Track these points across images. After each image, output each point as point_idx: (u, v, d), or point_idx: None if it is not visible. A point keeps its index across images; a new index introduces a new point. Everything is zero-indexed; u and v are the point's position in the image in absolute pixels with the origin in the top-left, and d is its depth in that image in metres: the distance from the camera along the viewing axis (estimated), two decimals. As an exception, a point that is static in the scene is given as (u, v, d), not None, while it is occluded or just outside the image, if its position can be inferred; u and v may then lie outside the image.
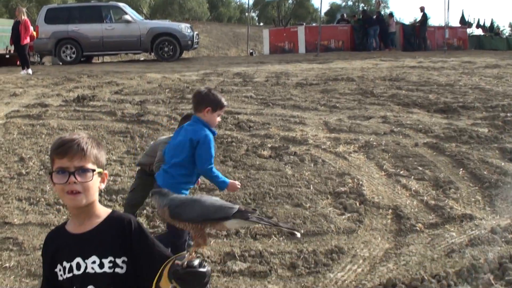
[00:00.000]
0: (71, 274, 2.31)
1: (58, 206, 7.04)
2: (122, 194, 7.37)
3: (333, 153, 8.53)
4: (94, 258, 2.31)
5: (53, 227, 6.65)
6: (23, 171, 8.17)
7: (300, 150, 8.63)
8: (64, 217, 6.79)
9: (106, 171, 2.40)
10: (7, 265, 5.50)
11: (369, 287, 5.04)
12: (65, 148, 2.27)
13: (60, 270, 2.35)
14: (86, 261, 2.31)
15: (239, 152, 8.64)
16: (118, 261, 2.32)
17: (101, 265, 2.30)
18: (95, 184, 2.33)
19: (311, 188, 7.28)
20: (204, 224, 2.19)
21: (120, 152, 8.75)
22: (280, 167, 8.00)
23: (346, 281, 5.15)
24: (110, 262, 2.31)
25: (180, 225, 2.27)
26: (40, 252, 5.97)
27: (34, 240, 6.04)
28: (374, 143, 8.88)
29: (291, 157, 8.34)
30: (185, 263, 2.11)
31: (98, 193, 2.37)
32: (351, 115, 10.85)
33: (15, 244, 5.95)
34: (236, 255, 5.66)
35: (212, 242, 6.04)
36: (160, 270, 2.22)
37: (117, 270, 2.32)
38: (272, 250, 5.79)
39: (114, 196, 7.41)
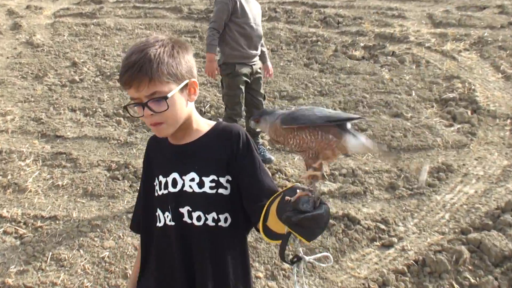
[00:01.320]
0: (166, 191, 2.24)
1: (117, 118, 7.11)
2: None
3: (439, 52, 8.13)
4: (192, 175, 2.21)
5: (112, 141, 6.92)
6: (77, 78, 8.26)
7: (399, 49, 8.27)
8: (126, 130, 6.90)
9: (193, 79, 2.19)
10: (60, 183, 5.60)
11: (483, 211, 4.79)
12: (127, 77, 2.09)
13: (156, 185, 2.30)
14: (183, 177, 2.22)
15: (326, 53, 8.36)
16: (222, 180, 2.20)
17: (201, 184, 2.20)
18: (179, 105, 2.14)
19: (413, 94, 6.96)
20: (326, 129, 1.93)
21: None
22: (375, 70, 7.69)
23: (456, 205, 4.92)
24: (212, 181, 2.20)
25: (295, 139, 1.97)
26: (98, 169, 6.18)
27: (91, 156, 6.13)
28: (489, 39, 8.43)
29: (389, 58, 8.02)
30: (299, 204, 1.84)
31: (190, 108, 2.21)
32: (461, 5, 10.36)
33: (69, 160, 6.04)
34: (324, 174, 5.48)
35: (296, 159, 5.95)
36: (266, 206, 2.05)
37: (221, 190, 2.20)
38: (367, 168, 5.66)
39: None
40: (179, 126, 2.19)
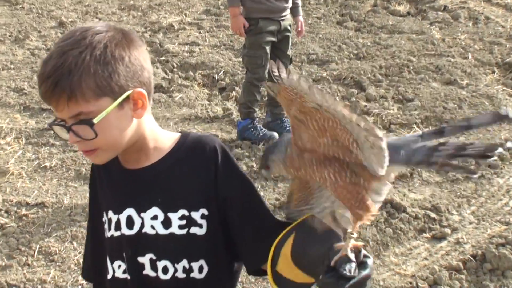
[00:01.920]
0: (119, 233, 2.00)
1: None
2: (202, 69, 7.41)
3: (501, 7, 8.12)
4: (155, 211, 1.98)
5: None
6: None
7: (452, 3, 8.27)
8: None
9: (139, 89, 1.87)
10: (47, 164, 5.67)
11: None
12: (43, 93, 1.82)
13: (105, 222, 2.07)
14: (142, 215, 1.98)
15: (364, 9, 8.37)
16: (195, 215, 1.97)
17: (167, 223, 1.97)
18: (118, 127, 1.87)
19: (469, 57, 6.96)
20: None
21: (197, 11, 8.69)
22: (423, 29, 7.69)
23: (521, 190, 4.94)
24: (182, 218, 1.97)
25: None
26: None
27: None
28: None
29: (439, 13, 8.02)
30: (340, 268, 1.63)
31: (140, 126, 1.94)
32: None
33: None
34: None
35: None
36: (273, 248, 1.86)
37: (194, 230, 1.97)
38: None
39: (191, 73, 7.45)
40: (129, 148, 1.95)
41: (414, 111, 6.34)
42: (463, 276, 4.11)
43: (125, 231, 1.99)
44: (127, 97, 1.85)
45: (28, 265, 4.37)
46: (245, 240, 2.02)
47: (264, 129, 5.90)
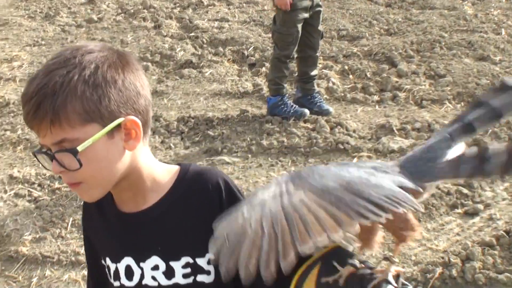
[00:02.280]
0: (118, 283, 1.85)
1: (144, 63, 7.24)
2: (232, 45, 7.45)
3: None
4: (155, 260, 1.80)
5: None
6: (94, 17, 8.42)
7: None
8: (155, 77, 7.06)
9: (132, 117, 1.66)
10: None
11: None
12: (25, 115, 1.64)
13: (106, 268, 1.92)
14: (141, 265, 1.81)
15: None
16: (201, 262, 1.78)
17: (170, 273, 1.80)
18: (107, 158, 1.67)
19: (502, 33, 6.89)
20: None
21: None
22: (455, 4, 7.64)
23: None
24: (186, 266, 1.78)
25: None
26: None
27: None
28: None
29: (472, -12, 7.85)
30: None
31: (134, 159, 1.73)
32: None
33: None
34: (394, 128, 5.68)
35: (359, 111, 5.99)
36: (295, 282, 1.66)
37: (201, 278, 1.79)
38: (446, 122, 5.54)
39: (221, 49, 7.47)
40: (122, 186, 1.75)
41: (446, 87, 6.30)
42: (496, 252, 4.07)
43: (125, 282, 1.82)
44: (119, 126, 1.63)
45: (62, 237, 4.45)
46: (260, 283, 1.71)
47: (294, 105, 5.90)
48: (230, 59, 7.17)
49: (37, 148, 1.70)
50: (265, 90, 6.42)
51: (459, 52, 6.64)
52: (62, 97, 1.57)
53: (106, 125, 1.61)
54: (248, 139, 5.67)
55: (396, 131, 5.57)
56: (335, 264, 1.59)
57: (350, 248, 1.69)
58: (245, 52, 7.32)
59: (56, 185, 5.03)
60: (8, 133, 5.99)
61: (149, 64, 7.19)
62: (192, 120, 6.09)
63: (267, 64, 6.84)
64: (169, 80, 6.93)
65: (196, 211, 1.79)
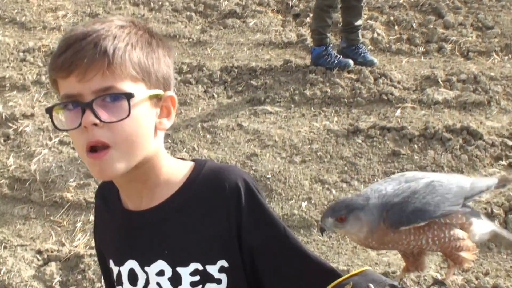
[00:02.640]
0: None
1: (188, 13, 7.24)
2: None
3: None
4: (161, 265, 1.66)
5: (183, 40, 7.00)
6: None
7: None
8: (198, 26, 7.07)
9: (172, 93, 1.62)
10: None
11: None
12: (69, 55, 1.48)
13: (112, 271, 1.80)
14: (146, 269, 1.67)
15: None
16: (211, 269, 1.64)
17: (176, 280, 1.65)
18: (145, 124, 1.55)
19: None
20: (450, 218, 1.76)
21: None
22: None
23: None
24: (194, 273, 1.64)
25: (413, 241, 1.72)
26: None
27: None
28: None
29: None
30: None
31: (158, 142, 1.63)
32: None
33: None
34: (439, 80, 5.62)
35: (404, 62, 5.99)
36: None
37: (210, 287, 1.65)
38: (492, 74, 5.61)
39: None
40: (134, 175, 1.60)
41: (494, 38, 6.24)
42: (538, 203, 4.13)
43: (128, 287, 1.70)
44: (159, 98, 1.57)
45: (108, 178, 4.56)
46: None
47: (338, 55, 5.86)
48: (274, 9, 7.14)
49: (56, 103, 1.55)
50: (309, 40, 6.38)
51: (508, 4, 6.55)
52: (123, 44, 1.50)
53: (151, 89, 1.55)
54: (291, 89, 5.66)
55: (441, 83, 5.54)
56: (371, 285, 1.58)
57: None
58: (290, 2, 7.27)
59: (101, 132, 5.11)
60: (53, 81, 6.12)
61: (193, 14, 7.20)
62: (235, 70, 6.06)
63: (311, 15, 6.84)
64: (213, 30, 6.93)
65: (210, 213, 1.63)
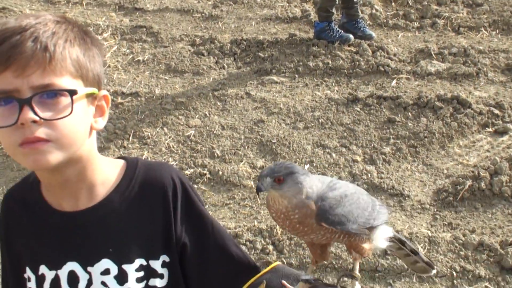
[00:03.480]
0: None
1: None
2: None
3: None
4: (106, 263, 1.54)
5: (196, 15, 7.03)
6: None
7: None
8: (210, 2, 6.99)
9: (106, 92, 1.52)
10: (140, 58, 5.83)
11: None
12: (6, 48, 1.34)
13: (29, 280, 1.59)
14: (89, 269, 1.54)
15: None
16: (155, 264, 1.57)
17: (122, 277, 1.55)
18: (81, 123, 1.44)
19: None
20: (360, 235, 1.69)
21: None
22: None
23: None
24: (139, 269, 1.55)
25: (324, 236, 1.65)
26: (181, 44, 6.29)
27: (173, 30, 6.32)
28: None
29: None
30: None
31: (92, 141, 1.52)
32: None
33: (149, 35, 6.25)
34: (432, 53, 5.65)
35: (400, 36, 5.97)
36: None
37: (153, 282, 1.57)
38: (481, 48, 5.64)
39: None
40: (70, 173, 1.48)
41: (483, 15, 6.22)
42: (522, 167, 4.15)
43: None
44: (94, 96, 1.47)
45: (124, 147, 4.57)
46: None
47: (340, 30, 5.86)
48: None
49: None
50: (313, 15, 6.36)
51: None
52: (63, 39, 1.38)
53: (88, 85, 1.44)
54: (296, 60, 5.65)
55: (433, 55, 5.54)
56: (284, 282, 1.55)
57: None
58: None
59: (119, 100, 5.13)
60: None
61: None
62: (244, 43, 6.04)
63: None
64: (224, 5, 6.88)
65: (149, 210, 1.56)
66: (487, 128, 4.64)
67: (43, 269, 1.54)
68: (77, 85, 1.39)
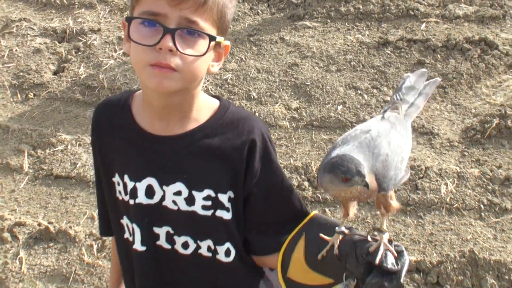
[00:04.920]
0: (133, 201, 1.67)
1: None
2: None
3: None
4: (179, 186, 1.63)
5: None
6: None
7: None
8: None
9: (228, 43, 1.60)
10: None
11: None
12: None
13: (117, 184, 1.72)
14: (164, 187, 1.64)
15: None
16: (222, 197, 1.63)
17: (190, 201, 1.63)
18: (205, 64, 1.53)
19: None
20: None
21: None
22: None
23: None
24: (207, 198, 1.63)
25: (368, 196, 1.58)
26: None
27: None
28: None
29: None
30: (383, 261, 1.45)
31: (201, 82, 1.61)
32: None
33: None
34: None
35: None
36: (281, 254, 1.64)
37: (220, 213, 1.64)
38: None
39: None
40: (174, 100, 1.57)
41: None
42: (548, 106, 4.12)
43: (143, 200, 1.65)
44: (219, 44, 1.56)
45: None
46: (256, 232, 1.72)
47: None
48: None
49: (136, 17, 1.48)
50: None
51: None
52: None
53: (221, 34, 1.52)
54: (328, 6, 5.58)
55: (463, 1, 5.44)
56: (322, 235, 1.55)
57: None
58: None
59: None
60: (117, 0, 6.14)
61: None
62: None
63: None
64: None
65: (227, 151, 1.61)
66: (513, 69, 4.58)
67: (126, 178, 1.66)
68: (214, 32, 1.49)
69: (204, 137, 1.61)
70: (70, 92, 4.99)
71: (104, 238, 3.61)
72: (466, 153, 4.01)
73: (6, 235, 3.72)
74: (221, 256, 1.67)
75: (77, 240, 3.68)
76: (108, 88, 4.91)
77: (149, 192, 1.64)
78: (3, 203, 4.06)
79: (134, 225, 1.68)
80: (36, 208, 4.01)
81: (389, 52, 4.91)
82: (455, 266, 3.23)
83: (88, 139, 4.41)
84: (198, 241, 1.66)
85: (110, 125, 1.72)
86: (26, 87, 5.10)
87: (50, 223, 3.78)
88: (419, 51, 4.88)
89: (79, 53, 5.42)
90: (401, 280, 1.41)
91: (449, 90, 4.53)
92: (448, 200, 3.67)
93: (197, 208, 1.62)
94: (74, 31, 5.65)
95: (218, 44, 1.53)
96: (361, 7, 5.47)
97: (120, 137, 1.69)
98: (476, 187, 3.72)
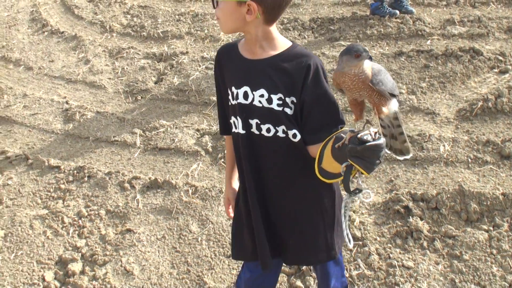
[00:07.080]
0: (236, 102, 1.98)
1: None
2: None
3: None
4: (262, 91, 1.93)
5: None
6: None
7: None
8: None
9: (254, 3, 1.83)
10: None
11: None
12: None
13: (229, 94, 2.04)
14: (254, 92, 1.95)
15: None
16: (288, 100, 1.92)
17: (269, 101, 1.93)
18: (231, 15, 1.87)
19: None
20: (385, 97, 1.79)
21: None
22: None
23: None
24: (279, 99, 1.92)
25: (362, 92, 1.77)
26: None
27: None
28: None
29: None
30: (363, 136, 1.65)
31: (255, 26, 1.91)
32: None
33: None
34: (455, 21, 5.78)
35: (432, 11, 6.18)
36: (320, 149, 1.86)
37: (286, 110, 1.93)
38: (490, 16, 5.80)
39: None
40: (249, 37, 1.94)
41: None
42: (517, 93, 4.36)
43: (242, 100, 1.96)
44: (244, 3, 1.82)
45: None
46: (305, 132, 1.97)
47: (389, 7, 5.99)
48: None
49: None
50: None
51: None
52: None
53: None
54: (357, 30, 5.86)
55: (457, 23, 5.67)
56: (342, 135, 1.78)
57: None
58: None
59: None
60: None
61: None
62: (319, 20, 6.24)
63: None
64: (302, -4, 6.98)
65: (291, 71, 1.90)
66: (494, 69, 4.89)
67: (233, 88, 2.00)
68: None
69: (280, 61, 1.91)
70: (167, 94, 5.18)
71: (196, 184, 3.83)
72: (459, 126, 4.24)
73: (126, 185, 3.95)
74: (291, 137, 1.96)
75: (177, 187, 3.88)
76: (196, 90, 5.13)
77: (245, 95, 1.94)
78: (122, 167, 4.24)
79: (238, 118, 2.00)
80: (147, 169, 4.21)
81: (403, 60, 5.15)
82: (448, 196, 3.39)
83: (182, 124, 4.66)
84: (276, 127, 1.95)
85: (226, 57, 2.06)
86: (135, 92, 5.31)
87: (157, 177, 3.99)
88: (425, 58, 5.11)
89: (173, 68, 5.62)
90: (380, 153, 1.63)
91: (447, 84, 4.82)
92: (445, 156, 3.88)
93: (273, 106, 1.91)
94: (169, 54, 5.88)
95: (239, 3, 1.82)
96: (382, 30, 5.77)
97: (231, 63, 2.02)
98: (465, 147, 3.95)
